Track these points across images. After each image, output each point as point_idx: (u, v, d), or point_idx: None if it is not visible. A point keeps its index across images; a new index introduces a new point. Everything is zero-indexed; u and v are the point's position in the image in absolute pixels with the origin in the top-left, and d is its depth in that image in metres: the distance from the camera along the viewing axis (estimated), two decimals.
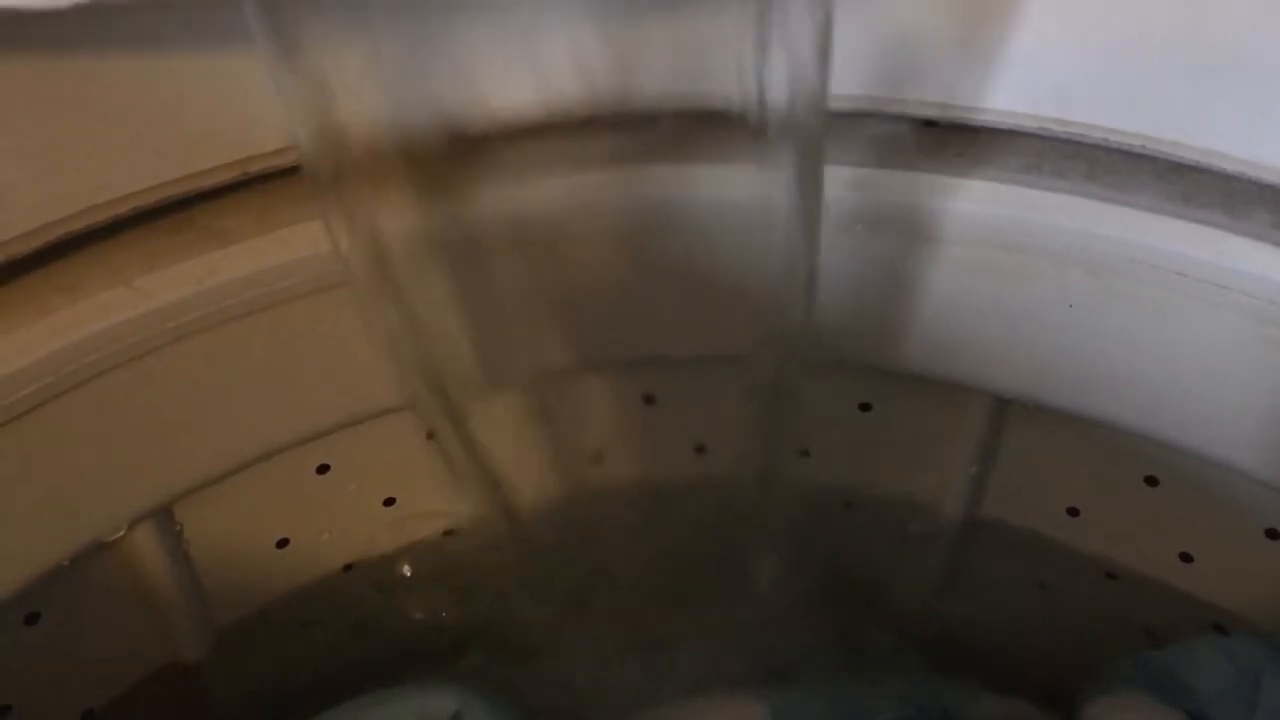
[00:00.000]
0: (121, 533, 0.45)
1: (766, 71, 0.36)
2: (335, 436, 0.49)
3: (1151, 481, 0.51)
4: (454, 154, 0.40)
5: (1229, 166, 0.38)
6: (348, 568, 0.56)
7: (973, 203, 0.42)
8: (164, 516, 0.47)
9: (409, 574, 0.57)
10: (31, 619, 0.46)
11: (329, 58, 0.33)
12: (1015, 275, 0.43)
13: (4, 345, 0.36)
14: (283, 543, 0.53)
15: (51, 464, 0.40)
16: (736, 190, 0.42)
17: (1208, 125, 0.38)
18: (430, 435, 0.52)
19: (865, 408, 0.55)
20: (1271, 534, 0.48)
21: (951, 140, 0.42)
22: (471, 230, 0.42)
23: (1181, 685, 0.46)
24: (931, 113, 0.42)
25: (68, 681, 0.49)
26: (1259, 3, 0.35)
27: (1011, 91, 0.40)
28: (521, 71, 0.40)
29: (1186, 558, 0.52)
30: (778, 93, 0.36)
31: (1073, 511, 0.54)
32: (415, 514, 0.56)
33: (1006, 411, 0.52)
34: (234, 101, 0.38)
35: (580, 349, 0.48)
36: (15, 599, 0.42)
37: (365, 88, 0.36)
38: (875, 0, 0.39)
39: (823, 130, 0.37)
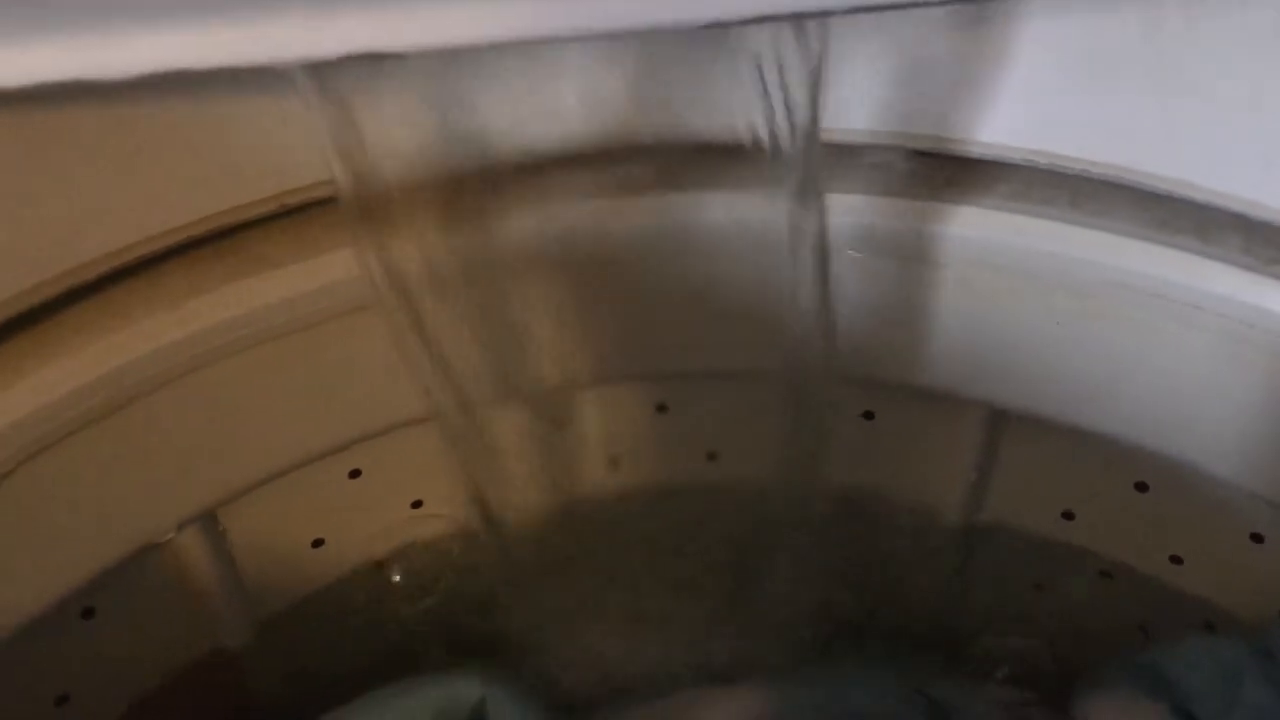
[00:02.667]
0: (170, 535, 0.47)
1: (767, 110, 0.38)
2: (365, 444, 0.50)
3: (1141, 487, 0.52)
4: (480, 185, 0.42)
5: (1199, 196, 0.40)
6: (378, 564, 0.57)
7: (963, 228, 0.44)
8: (209, 519, 0.49)
9: (436, 571, 0.59)
10: (87, 614, 0.48)
11: (365, 103, 0.36)
12: (1005, 296, 0.45)
13: (67, 365, 0.38)
14: (318, 542, 0.55)
15: (108, 473, 0.42)
16: (742, 216, 0.44)
17: (1179, 157, 0.40)
18: (452, 443, 0.54)
19: (869, 416, 0.56)
20: (1256, 538, 0.50)
21: (943, 171, 0.44)
22: (497, 254, 0.44)
23: (1168, 682, 0.48)
24: (925, 145, 0.43)
25: (120, 671, 0.50)
26: (1223, 47, 0.37)
27: (998, 126, 0.42)
28: (547, 110, 0.42)
29: (1177, 559, 0.53)
30: (779, 129, 0.39)
31: (1068, 515, 0.56)
32: (441, 515, 0.58)
33: (1003, 421, 0.53)
34: (273, 141, 0.40)
35: (597, 362, 0.50)
36: (73, 596, 0.44)
37: (397, 127, 0.38)
38: (872, 46, 0.41)
39: (818, 162, 0.39)
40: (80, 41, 0.25)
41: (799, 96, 0.36)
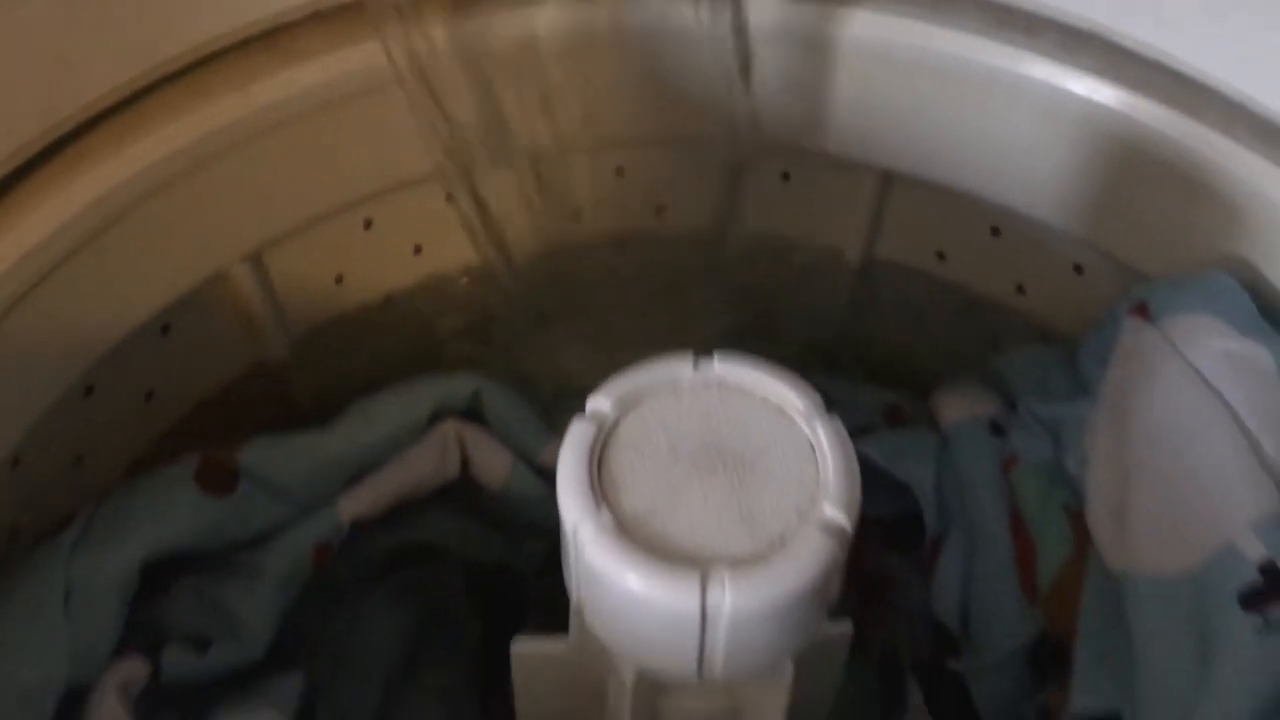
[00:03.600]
0: (228, 269, 0.55)
1: None
2: (378, 200, 0.57)
3: (995, 231, 0.61)
4: None
5: (1026, 4, 0.50)
6: (387, 297, 0.64)
7: (852, 28, 0.53)
8: (255, 259, 0.56)
9: (433, 302, 0.66)
10: (165, 330, 0.54)
11: None
12: (885, 82, 0.54)
13: (160, 136, 0.47)
14: (339, 278, 0.61)
15: (184, 217, 0.50)
16: (681, 14, 0.53)
17: None
18: (449, 198, 0.60)
19: (785, 177, 0.64)
20: (1077, 269, 0.60)
21: None
22: (493, 43, 0.51)
23: (1002, 379, 0.60)
24: None
25: (190, 375, 0.58)
26: None
27: None
28: None
29: (1021, 289, 0.63)
30: None
31: (940, 255, 0.65)
32: (438, 258, 0.64)
33: (891, 180, 0.63)
34: None
35: (567, 132, 0.58)
36: (156, 316, 0.52)
37: None
38: None
39: None
40: None
41: None
